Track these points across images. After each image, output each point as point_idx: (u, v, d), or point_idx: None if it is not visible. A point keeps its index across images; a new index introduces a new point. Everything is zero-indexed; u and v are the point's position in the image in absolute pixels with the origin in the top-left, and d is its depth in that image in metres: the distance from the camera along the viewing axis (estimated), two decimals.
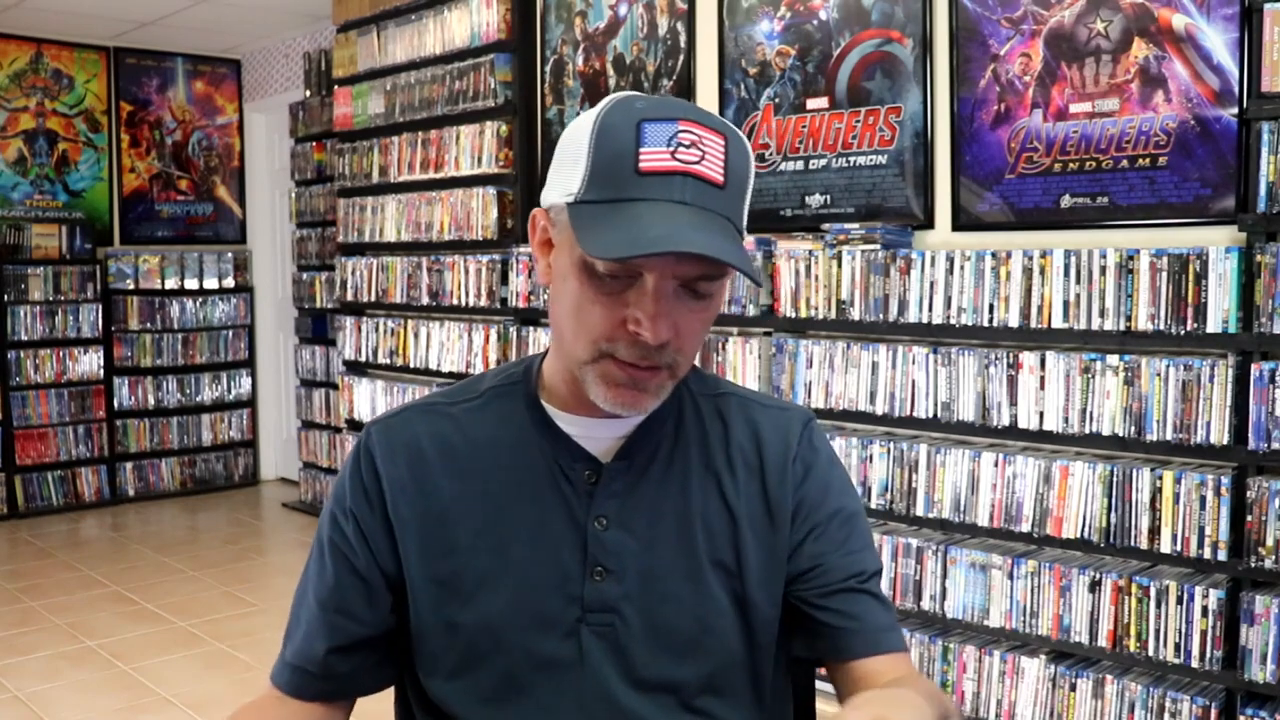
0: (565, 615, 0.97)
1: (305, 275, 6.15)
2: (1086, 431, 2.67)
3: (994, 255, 2.83)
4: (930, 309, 2.94)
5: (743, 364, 3.34)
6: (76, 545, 5.38)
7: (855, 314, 3.09)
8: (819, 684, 1.17)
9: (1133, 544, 2.59)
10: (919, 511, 2.96)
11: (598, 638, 0.97)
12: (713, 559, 1.00)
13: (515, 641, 0.97)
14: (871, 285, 3.06)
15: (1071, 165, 2.82)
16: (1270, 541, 2.38)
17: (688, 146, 0.87)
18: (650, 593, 0.98)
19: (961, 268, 2.88)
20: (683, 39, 3.78)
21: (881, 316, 3.04)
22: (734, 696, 1.01)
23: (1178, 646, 2.53)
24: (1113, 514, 2.62)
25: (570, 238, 0.89)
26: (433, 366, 4.63)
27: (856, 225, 3.15)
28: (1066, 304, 2.70)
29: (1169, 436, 2.54)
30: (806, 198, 3.42)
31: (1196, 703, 2.50)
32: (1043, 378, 2.74)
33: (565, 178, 0.91)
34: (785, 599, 1.03)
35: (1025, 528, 2.76)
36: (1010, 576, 2.80)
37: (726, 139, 0.90)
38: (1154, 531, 2.56)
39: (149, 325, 6.35)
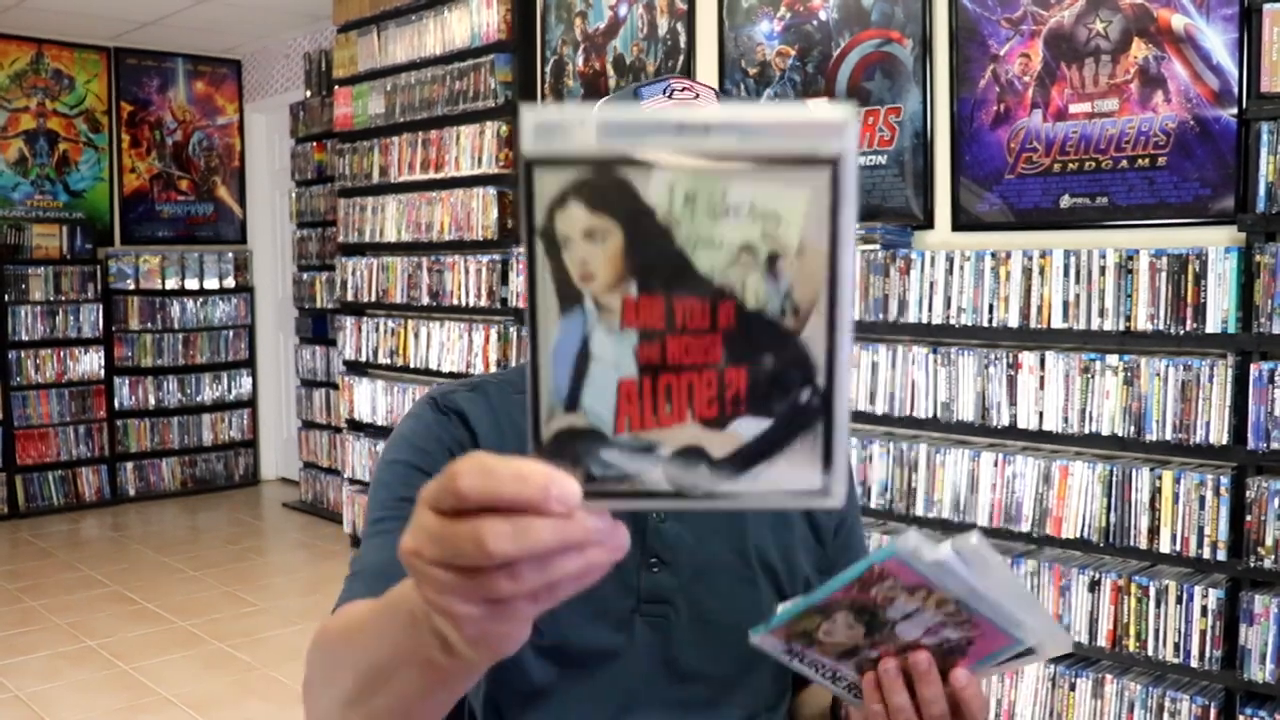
0: (620, 605, 0.99)
1: (305, 275, 6.16)
2: (1086, 431, 2.67)
3: (994, 255, 2.83)
4: (930, 309, 2.95)
5: None
6: (77, 545, 5.39)
7: (855, 314, 3.10)
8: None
9: (1132, 544, 2.59)
10: (919, 511, 2.96)
11: (650, 628, 1.00)
12: (760, 558, 1.05)
13: (567, 630, 0.98)
14: (871, 285, 3.06)
15: (1071, 165, 2.82)
16: (1269, 541, 2.38)
17: (681, 91, 0.97)
18: (702, 586, 1.01)
19: (961, 268, 2.89)
20: (683, 39, 3.78)
21: (881, 316, 3.04)
22: (759, 691, 1.05)
23: (1177, 646, 2.53)
24: (1112, 514, 2.63)
25: None
26: (433, 366, 4.63)
27: (856, 225, 3.15)
28: (1066, 304, 2.70)
29: (1168, 436, 2.54)
30: None
31: (1196, 702, 2.50)
32: (1042, 378, 2.74)
33: None
34: None
35: (1025, 527, 2.77)
36: None
37: (717, 92, 1.01)
38: (1153, 531, 2.56)
39: (149, 325, 6.36)
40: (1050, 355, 2.73)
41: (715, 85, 3.65)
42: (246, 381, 6.76)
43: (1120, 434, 2.61)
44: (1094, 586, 2.65)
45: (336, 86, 5.20)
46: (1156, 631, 2.56)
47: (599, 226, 0.45)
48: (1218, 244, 2.51)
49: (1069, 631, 2.69)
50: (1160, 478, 2.55)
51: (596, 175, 0.45)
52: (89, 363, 6.16)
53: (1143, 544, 2.58)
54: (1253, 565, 2.41)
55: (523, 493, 0.44)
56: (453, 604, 0.48)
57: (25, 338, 5.92)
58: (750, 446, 0.46)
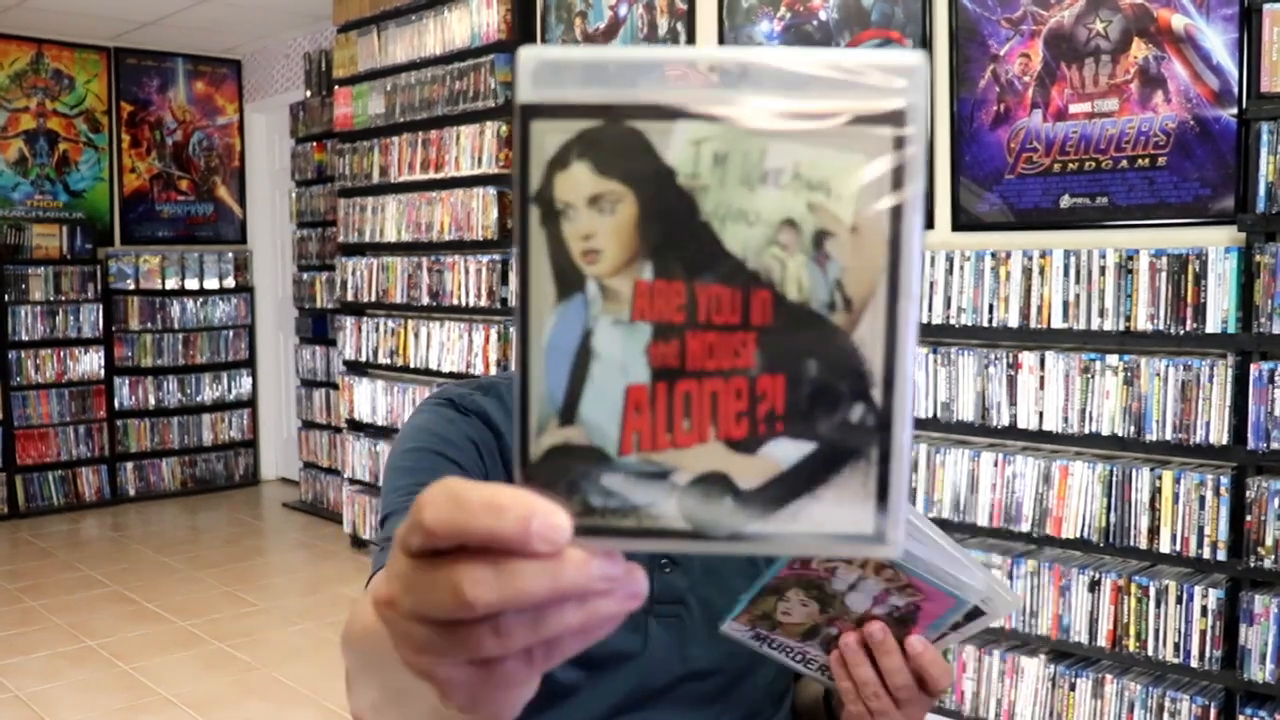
0: None
1: (305, 275, 6.16)
2: (1086, 431, 2.67)
3: (993, 255, 2.83)
4: (930, 309, 2.95)
5: None
6: (77, 545, 5.39)
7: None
8: None
9: (1132, 544, 2.60)
10: (919, 511, 2.96)
11: (664, 628, 1.01)
12: (765, 555, 1.05)
13: None
14: None
15: (1071, 165, 2.82)
16: (1269, 541, 2.39)
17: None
18: (711, 585, 1.02)
19: (961, 268, 2.89)
20: (683, 39, 3.78)
21: None
22: (767, 683, 1.07)
23: (1177, 646, 2.53)
24: (1112, 514, 2.63)
25: None
26: (433, 367, 4.63)
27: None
28: (1066, 304, 2.71)
29: (1168, 436, 2.54)
30: None
31: (1196, 702, 2.50)
32: (1042, 378, 2.75)
33: None
34: None
35: (1025, 527, 2.77)
36: (1010, 576, 2.80)
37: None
38: (1153, 531, 2.56)
39: (149, 325, 6.36)
40: (1050, 355, 2.73)
41: None
42: (246, 381, 6.76)
43: (1120, 434, 2.61)
44: (1094, 586, 2.65)
45: (336, 86, 5.20)
46: (1156, 631, 2.56)
47: (607, 192, 0.37)
48: (1218, 244, 2.51)
49: (1070, 629, 2.70)
50: (1160, 478, 2.55)
51: (607, 128, 0.37)
52: (89, 363, 6.16)
53: (1143, 544, 2.58)
54: (1253, 565, 2.41)
55: (498, 528, 0.36)
56: (434, 667, 0.40)
57: (25, 338, 5.92)
58: (787, 476, 0.38)
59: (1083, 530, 2.67)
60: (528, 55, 0.37)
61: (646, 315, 0.38)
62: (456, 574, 0.36)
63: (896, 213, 0.38)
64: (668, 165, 0.37)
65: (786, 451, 0.38)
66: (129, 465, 6.32)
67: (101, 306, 6.18)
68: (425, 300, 4.66)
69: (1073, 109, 2.81)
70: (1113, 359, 2.64)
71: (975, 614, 0.88)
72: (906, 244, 0.37)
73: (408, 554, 0.38)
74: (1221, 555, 2.46)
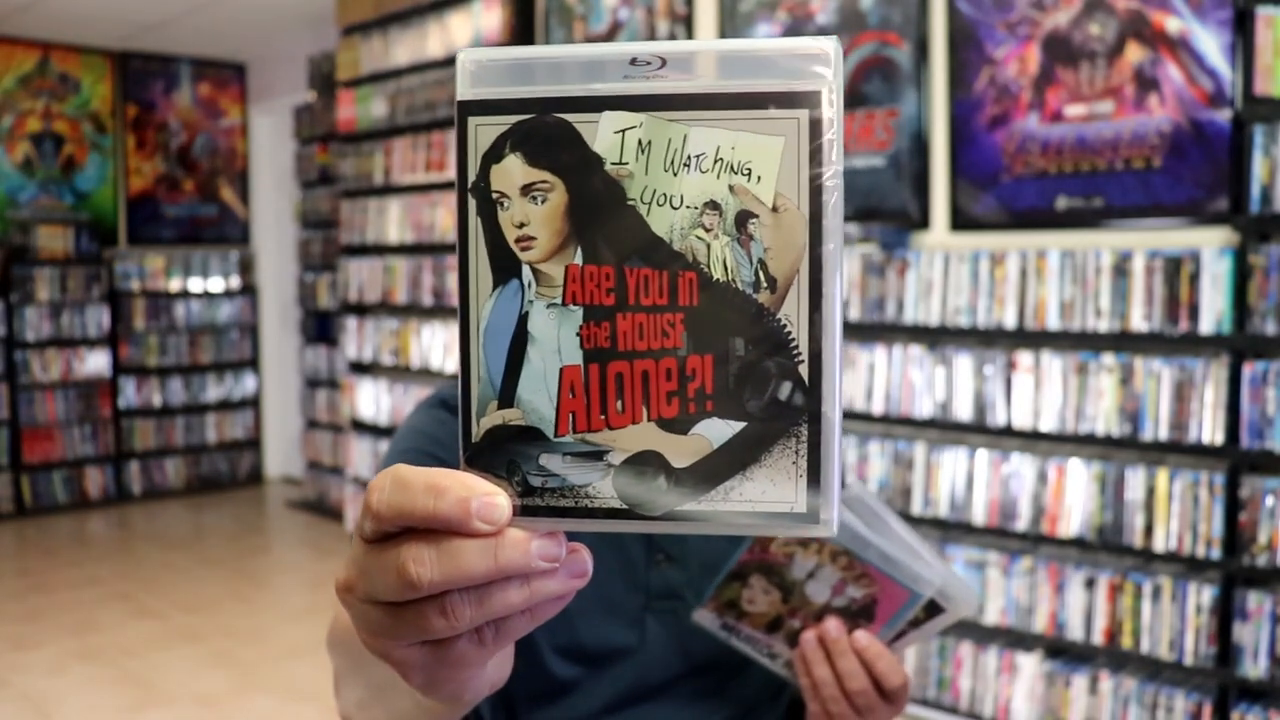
0: (631, 603, 1.00)
1: (309, 276, 6.19)
2: (1082, 431, 2.69)
3: (990, 256, 2.85)
4: (927, 309, 2.97)
5: None
6: (82, 543, 5.42)
7: (853, 314, 3.12)
8: None
9: (1127, 542, 2.62)
10: (916, 510, 2.98)
11: (662, 624, 1.01)
12: None
13: (581, 630, 0.99)
14: (868, 286, 3.09)
15: (1067, 167, 2.85)
16: (1263, 539, 2.41)
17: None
18: (707, 580, 1.02)
19: (958, 269, 2.91)
20: None
21: (878, 317, 3.07)
22: (764, 678, 1.07)
23: (1172, 643, 2.55)
24: (1108, 512, 2.65)
25: None
26: (435, 367, 4.66)
27: (854, 226, 3.18)
28: (1062, 304, 2.73)
29: (1163, 436, 2.56)
30: None
31: (1190, 699, 2.52)
32: (1038, 378, 2.77)
33: None
34: None
35: (1021, 526, 2.79)
36: (1006, 574, 2.82)
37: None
38: (1148, 530, 2.59)
39: (155, 325, 6.40)
40: (1046, 355, 2.76)
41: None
42: (250, 381, 6.79)
43: (1116, 433, 2.64)
44: (1090, 584, 2.68)
45: (340, 89, 5.23)
46: (1151, 629, 2.58)
47: (539, 181, 0.39)
48: (1212, 245, 2.53)
49: (1066, 626, 2.72)
50: (1155, 476, 2.58)
51: (536, 121, 0.39)
52: (95, 362, 6.20)
53: (1138, 542, 2.60)
54: (1246, 563, 2.43)
55: (438, 509, 0.37)
56: (390, 648, 0.41)
57: (32, 338, 5.96)
58: (719, 455, 0.38)
59: (1079, 529, 2.70)
60: (465, 57, 0.40)
61: (578, 298, 0.39)
62: (401, 555, 0.38)
63: (816, 192, 0.38)
64: (594, 154, 0.39)
65: (717, 430, 0.38)
66: (134, 464, 6.36)
67: (107, 307, 6.22)
68: (428, 301, 4.69)
69: (1068, 111, 2.83)
70: (1108, 359, 2.66)
71: (935, 610, 0.88)
72: (827, 223, 0.38)
73: (363, 539, 0.40)
74: (1215, 553, 2.48)
